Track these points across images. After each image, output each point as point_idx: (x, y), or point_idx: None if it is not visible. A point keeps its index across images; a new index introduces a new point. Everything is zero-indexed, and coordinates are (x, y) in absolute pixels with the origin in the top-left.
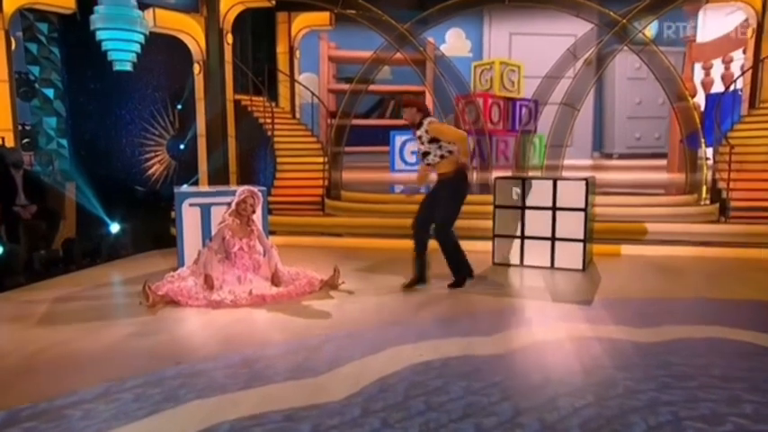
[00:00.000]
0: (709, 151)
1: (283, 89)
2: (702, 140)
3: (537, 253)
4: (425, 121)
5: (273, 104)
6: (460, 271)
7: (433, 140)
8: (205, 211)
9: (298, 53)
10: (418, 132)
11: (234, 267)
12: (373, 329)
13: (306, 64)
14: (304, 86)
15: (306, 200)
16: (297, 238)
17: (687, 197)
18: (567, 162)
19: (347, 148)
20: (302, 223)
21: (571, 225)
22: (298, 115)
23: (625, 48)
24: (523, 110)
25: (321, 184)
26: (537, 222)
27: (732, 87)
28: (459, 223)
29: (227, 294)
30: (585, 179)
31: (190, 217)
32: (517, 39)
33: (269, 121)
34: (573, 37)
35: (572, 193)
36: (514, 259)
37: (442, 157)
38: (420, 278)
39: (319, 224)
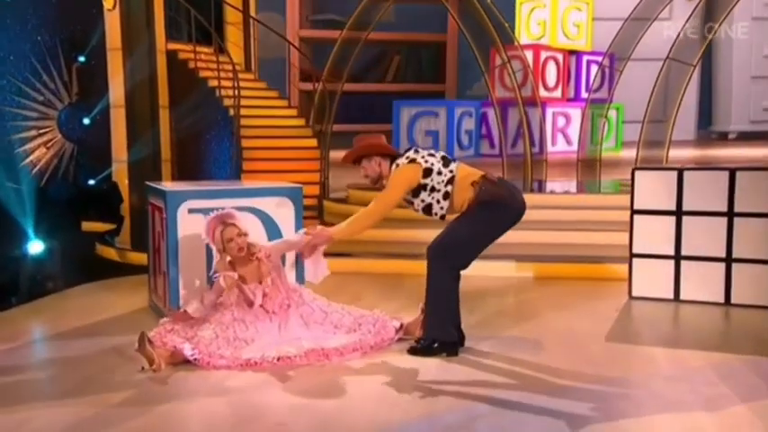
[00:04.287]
0: None
1: (233, 35)
2: None
3: (702, 281)
4: (393, 168)
5: (234, 63)
6: (441, 331)
7: (417, 190)
8: None
9: None
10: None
11: (267, 316)
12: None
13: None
14: (269, 28)
15: None
16: None
17: None
18: (645, 146)
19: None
20: None
21: (758, 239)
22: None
23: None
24: (593, 69)
25: (316, 180)
26: (702, 235)
27: None
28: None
29: (269, 350)
30: None
31: (189, 229)
32: None
33: (226, 84)
34: None
35: (761, 191)
36: (665, 291)
37: (446, 197)
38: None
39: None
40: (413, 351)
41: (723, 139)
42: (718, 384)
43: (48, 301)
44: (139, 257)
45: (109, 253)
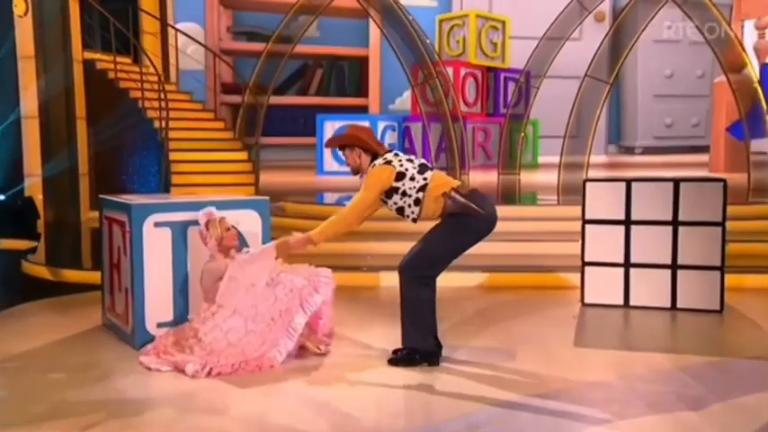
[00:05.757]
0: None
1: (151, 44)
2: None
3: (650, 287)
4: (369, 167)
5: (161, 76)
6: (420, 340)
7: (390, 192)
8: (178, 235)
9: None
10: None
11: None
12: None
13: (185, 8)
14: (192, 39)
15: None
16: None
17: None
18: (567, 160)
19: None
20: None
21: (702, 246)
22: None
23: None
24: (511, 85)
25: (250, 193)
26: (649, 244)
27: None
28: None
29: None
30: (723, 180)
31: (155, 244)
32: None
33: (151, 96)
34: None
35: (703, 201)
36: (616, 298)
37: (417, 203)
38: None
39: None
40: (393, 362)
41: (630, 153)
42: (693, 385)
43: None
44: (75, 275)
45: (38, 271)
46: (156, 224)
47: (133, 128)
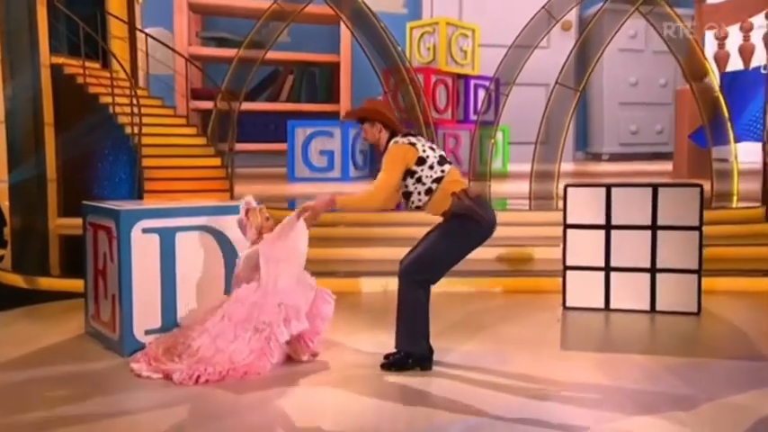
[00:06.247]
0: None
1: (119, 48)
2: (731, 134)
3: (629, 291)
4: (391, 144)
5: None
6: (413, 344)
7: (405, 175)
8: (166, 241)
9: None
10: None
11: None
12: None
13: (153, 13)
14: (163, 44)
15: None
16: None
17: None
18: (538, 167)
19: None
20: None
21: (680, 250)
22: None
23: (617, 7)
24: (481, 92)
25: (225, 199)
26: (629, 248)
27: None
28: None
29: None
30: (699, 185)
31: (143, 251)
32: None
33: (122, 102)
34: None
35: (681, 205)
36: (597, 301)
37: (428, 192)
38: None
39: None
40: (386, 367)
41: (597, 159)
42: (680, 386)
43: None
44: (51, 283)
45: (11, 279)
46: (145, 230)
47: (103, 134)
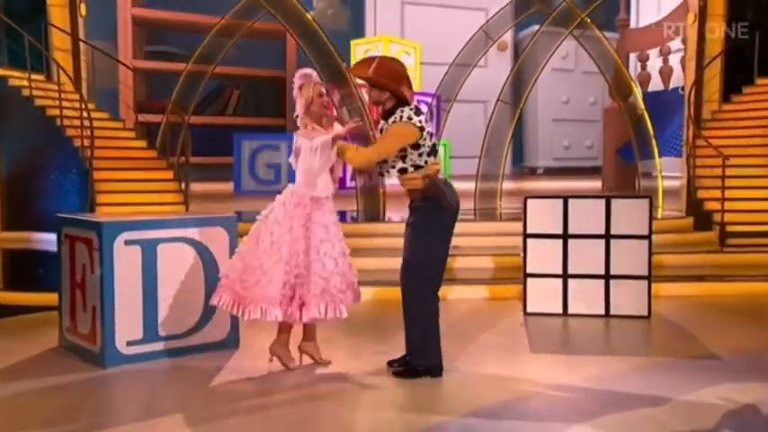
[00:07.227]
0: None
1: (63, 60)
2: (656, 149)
3: (585, 297)
4: (396, 114)
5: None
6: (425, 357)
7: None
8: (148, 252)
9: (83, 7)
10: (380, 125)
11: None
12: None
13: (97, 27)
14: (109, 56)
15: None
16: None
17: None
18: (481, 185)
19: None
20: None
21: (631, 258)
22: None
23: (550, 29)
24: (423, 108)
25: (180, 212)
26: (585, 256)
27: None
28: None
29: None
30: (649, 197)
31: (125, 262)
32: (412, 10)
33: (71, 114)
34: (484, 12)
35: (631, 216)
36: (555, 307)
37: (403, 171)
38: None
39: None
40: (398, 375)
41: (533, 173)
42: (653, 384)
43: None
44: (12, 297)
45: None
46: (127, 242)
47: (51, 147)
